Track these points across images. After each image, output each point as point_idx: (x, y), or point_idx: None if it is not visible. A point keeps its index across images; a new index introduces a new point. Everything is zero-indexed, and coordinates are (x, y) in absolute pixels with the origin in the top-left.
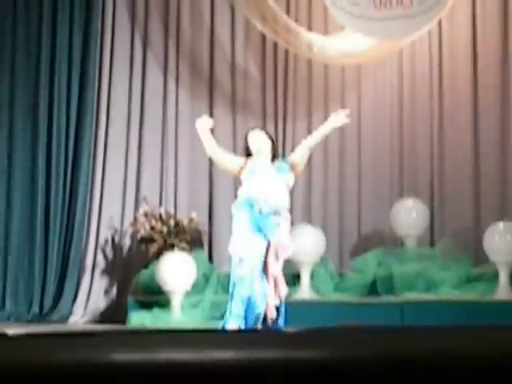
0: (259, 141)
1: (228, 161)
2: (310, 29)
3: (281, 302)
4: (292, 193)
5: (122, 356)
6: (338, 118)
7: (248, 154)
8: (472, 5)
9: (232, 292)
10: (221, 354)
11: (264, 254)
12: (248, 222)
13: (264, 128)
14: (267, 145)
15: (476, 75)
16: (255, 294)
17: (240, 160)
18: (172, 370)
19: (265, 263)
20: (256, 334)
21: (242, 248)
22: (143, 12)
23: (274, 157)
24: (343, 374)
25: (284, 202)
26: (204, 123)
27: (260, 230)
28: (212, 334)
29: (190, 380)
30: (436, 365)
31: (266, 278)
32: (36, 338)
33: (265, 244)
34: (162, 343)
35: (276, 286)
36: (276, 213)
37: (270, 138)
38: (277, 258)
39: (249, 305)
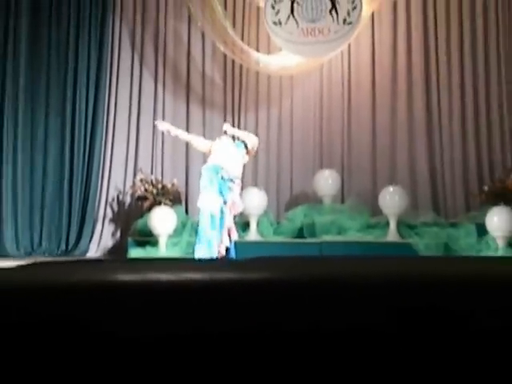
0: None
1: (199, 143)
2: (257, 49)
3: (231, 242)
4: (245, 165)
5: (124, 276)
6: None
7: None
8: (371, 32)
9: (200, 233)
10: (193, 275)
11: (222, 208)
12: (212, 184)
13: (225, 119)
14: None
15: (374, 83)
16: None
17: (209, 142)
18: (158, 287)
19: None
20: (218, 262)
21: (208, 203)
22: (140, 38)
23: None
24: (280, 291)
25: (238, 171)
26: (164, 125)
27: (220, 191)
28: (187, 261)
29: (172, 295)
30: (345, 281)
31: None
32: (62, 264)
33: (222, 201)
34: (152, 267)
35: (229, 232)
36: (232, 179)
37: (233, 138)
38: (230, 212)
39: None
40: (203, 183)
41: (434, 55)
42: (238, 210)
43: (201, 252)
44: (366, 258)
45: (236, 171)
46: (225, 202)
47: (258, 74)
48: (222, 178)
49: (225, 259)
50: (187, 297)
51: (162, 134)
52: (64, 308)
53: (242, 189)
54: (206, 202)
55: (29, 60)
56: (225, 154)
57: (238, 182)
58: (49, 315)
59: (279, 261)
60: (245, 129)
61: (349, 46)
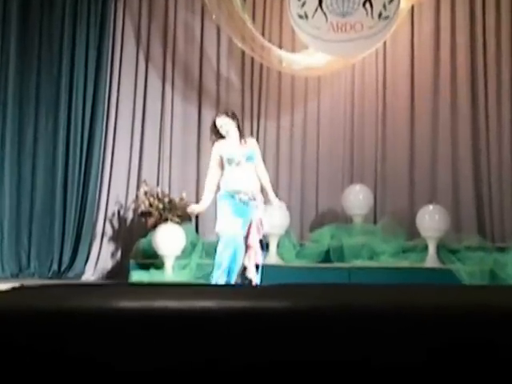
0: (225, 125)
1: (217, 175)
2: (280, 47)
3: (258, 266)
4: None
5: (124, 304)
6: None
7: (217, 134)
8: (411, 28)
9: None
10: (204, 304)
11: (245, 231)
12: (230, 209)
13: (242, 125)
14: (233, 126)
15: (413, 85)
16: (236, 263)
17: (216, 164)
18: (165, 316)
19: (246, 238)
20: (232, 288)
21: (227, 229)
22: (146, 30)
23: (241, 135)
24: (302, 321)
25: (256, 187)
26: (194, 209)
27: (241, 215)
28: (197, 287)
29: (180, 323)
30: (378, 312)
31: (247, 249)
32: (53, 287)
33: (245, 224)
34: (157, 294)
35: (255, 254)
36: (252, 198)
37: (234, 116)
38: (258, 232)
39: (230, 269)
40: (220, 212)
41: (482, 54)
42: (265, 228)
43: (219, 279)
44: (402, 287)
45: (254, 187)
46: (250, 224)
47: (280, 74)
48: (241, 200)
49: (242, 284)
50: (197, 328)
51: (170, 140)
52: (54, 339)
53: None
54: (225, 224)
55: (18, 53)
56: (237, 171)
57: (261, 197)
58: (36, 347)
59: (302, 288)
60: (265, 137)
61: (384, 43)
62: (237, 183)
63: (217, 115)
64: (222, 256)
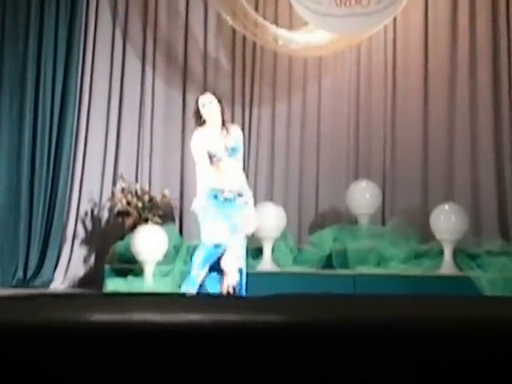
0: (210, 103)
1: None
2: (276, 24)
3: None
4: (256, 174)
5: (100, 317)
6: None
7: (199, 117)
8: (424, 4)
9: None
10: (189, 316)
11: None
12: (214, 211)
13: (233, 113)
14: (216, 107)
15: (426, 68)
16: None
17: (206, 157)
18: (145, 330)
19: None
20: (220, 299)
21: (212, 236)
22: (124, 5)
23: (223, 123)
24: (299, 336)
25: (243, 183)
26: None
27: (227, 217)
28: (181, 298)
29: (162, 340)
30: (385, 327)
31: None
32: (19, 299)
33: (233, 227)
34: (136, 306)
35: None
36: (239, 195)
37: (219, 100)
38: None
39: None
40: (201, 216)
41: (506, 32)
42: (252, 228)
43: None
44: (414, 297)
45: (240, 182)
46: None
47: (275, 54)
48: (226, 199)
49: (232, 295)
50: (181, 344)
51: (151, 129)
52: (20, 358)
53: (254, 203)
54: (210, 231)
55: None
56: (221, 167)
57: (249, 192)
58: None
59: (299, 300)
60: (258, 127)
61: (394, 20)
62: (220, 180)
63: (201, 93)
64: (199, 269)
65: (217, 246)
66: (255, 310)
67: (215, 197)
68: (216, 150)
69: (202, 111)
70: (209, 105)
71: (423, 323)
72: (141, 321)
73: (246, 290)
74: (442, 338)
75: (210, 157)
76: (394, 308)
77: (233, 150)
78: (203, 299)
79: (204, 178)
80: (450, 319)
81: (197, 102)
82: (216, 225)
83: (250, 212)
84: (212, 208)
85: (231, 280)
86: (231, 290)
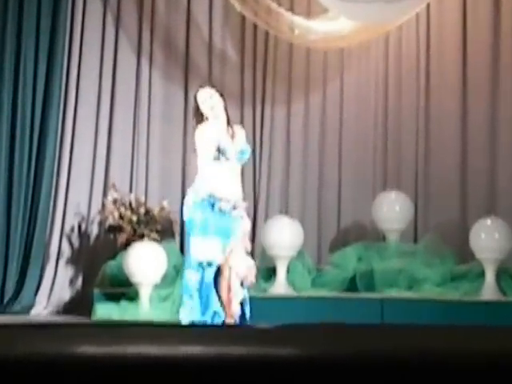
0: (211, 98)
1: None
2: (291, 10)
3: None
4: (269, 183)
5: (87, 349)
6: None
7: (200, 115)
8: None
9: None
10: (191, 349)
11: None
12: (206, 223)
13: (242, 112)
14: (219, 102)
15: (465, 61)
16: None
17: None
18: (140, 365)
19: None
20: (227, 330)
21: (207, 252)
22: None
23: (228, 121)
24: (318, 373)
25: (239, 192)
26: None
27: (219, 232)
28: (181, 327)
29: (159, 375)
30: (416, 365)
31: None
32: None
33: (225, 244)
34: (130, 337)
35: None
36: (234, 207)
37: (221, 94)
38: (242, 248)
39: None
40: (191, 227)
41: None
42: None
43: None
44: (451, 327)
45: (238, 192)
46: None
47: (291, 46)
48: (221, 210)
49: (240, 325)
50: (181, 380)
51: (147, 131)
52: None
53: (267, 217)
54: (200, 247)
55: None
56: (222, 172)
57: (243, 205)
58: None
59: (317, 330)
60: (271, 129)
61: (427, 6)
62: (221, 186)
63: (199, 87)
64: (193, 288)
65: (209, 264)
66: (265, 342)
67: (211, 206)
68: (227, 148)
69: (203, 108)
70: (210, 100)
71: (461, 357)
72: (135, 354)
73: (252, 317)
74: (483, 375)
75: (220, 154)
76: (426, 340)
77: (241, 154)
78: (205, 329)
79: (206, 179)
80: (491, 353)
81: (195, 98)
82: (208, 241)
83: (245, 228)
84: (205, 220)
85: (232, 312)
86: (235, 305)
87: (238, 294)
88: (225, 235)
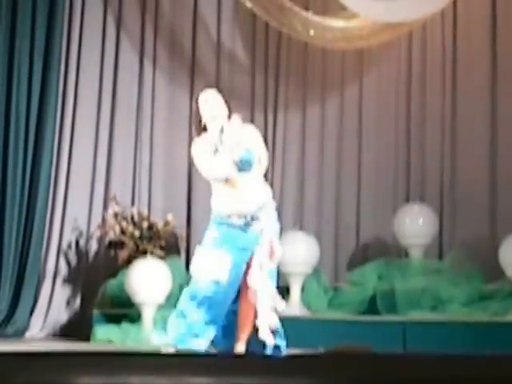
0: (213, 98)
1: None
2: (306, 8)
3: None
4: (282, 196)
5: (87, 380)
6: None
7: (199, 121)
8: None
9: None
10: (199, 380)
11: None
12: (213, 238)
13: (253, 117)
14: (223, 110)
15: (495, 62)
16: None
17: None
18: None
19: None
20: (238, 359)
21: (201, 269)
22: None
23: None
24: None
25: (260, 201)
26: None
27: (232, 246)
28: (191, 357)
29: None
30: None
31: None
32: None
33: (239, 263)
34: (134, 366)
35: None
36: (253, 218)
37: (226, 101)
38: (270, 263)
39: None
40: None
41: None
42: (277, 255)
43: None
44: (480, 353)
45: (255, 205)
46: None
47: (306, 46)
48: (233, 226)
49: (252, 354)
50: None
51: (151, 139)
52: None
53: (280, 232)
54: (204, 264)
55: None
56: (224, 189)
57: (269, 212)
58: None
59: (334, 358)
60: (284, 135)
61: (454, 2)
62: (225, 204)
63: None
64: (192, 315)
65: (216, 283)
66: (276, 373)
67: (220, 224)
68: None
69: (204, 109)
70: (212, 100)
71: None
72: None
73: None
74: None
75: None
76: (455, 369)
77: (243, 163)
78: (214, 359)
79: (214, 196)
80: None
81: (196, 101)
82: (216, 258)
83: (269, 239)
84: (214, 235)
85: (267, 323)
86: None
87: (267, 320)
88: (239, 252)
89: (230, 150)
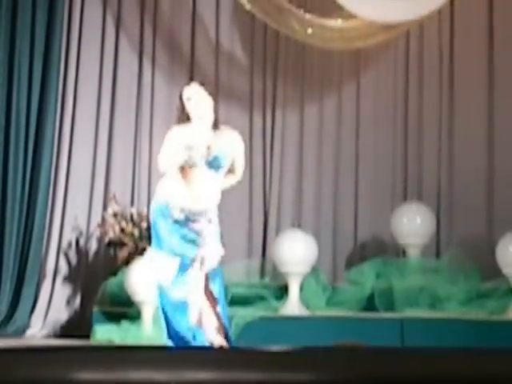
0: (197, 94)
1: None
2: (304, 8)
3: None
4: (281, 195)
5: (87, 375)
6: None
7: (184, 114)
8: None
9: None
10: (199, 375)
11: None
12: (161, 239)
13: (252, 116)
14: (206, 102)
15: (492, 61)
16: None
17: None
18: None
19: None
20: (238, 353)
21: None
22: None
23: (216, 122)
24: None
25: (213, 205)
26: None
27: (179, 246)
28: (189, 351)
29: None
30: None
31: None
32: None
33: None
34: (134, 361)
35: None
36: (195, 215)
37: (210, 93)
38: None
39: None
40: (158, 246)
41: None
42: (214, 259)
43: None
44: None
45: (204, 204)
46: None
47: (304, 46)
48: (176, 221)
49: (253, 348)
50: None
51: (150, 138)
52: None
53: (278, 231)
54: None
55: None
56: (191, 176)
57: (210, 213)
58: None
59: (332, 353)
60: (283, 135)
61: (451, 2)
62: (180, 193)
63: (185, 86)
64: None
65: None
66: (278, 367)
67: (183, 224)
68: (195, 149)
69: (188, 106)
70: (195, 96)
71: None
72: (139, 380)
73: (263, 338)
74: None
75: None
76: (451, 364)
77: (213, 160)
78: (214, 353)
79: (166, 184)
80: None
81: (180, 97)
82: (163, 260)
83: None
84: (173, 240)
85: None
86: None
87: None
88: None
89: (196, 150)
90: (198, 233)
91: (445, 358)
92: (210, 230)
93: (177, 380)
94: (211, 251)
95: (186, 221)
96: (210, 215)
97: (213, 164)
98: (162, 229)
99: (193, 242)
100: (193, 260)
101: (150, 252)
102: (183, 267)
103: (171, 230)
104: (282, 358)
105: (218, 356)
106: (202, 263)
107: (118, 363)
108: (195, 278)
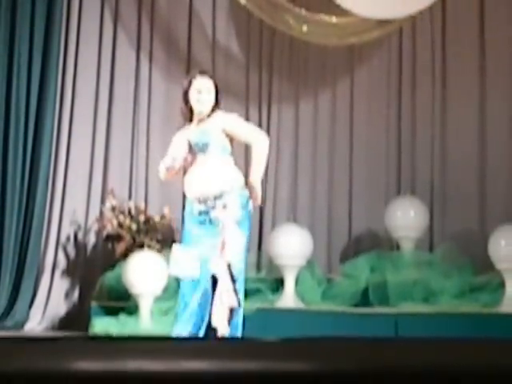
0: (208, 93)
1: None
2: (299, 5)
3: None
4: (276, 189)
5: (85, 365)
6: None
7: (189, 109)
8: None
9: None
10: (194, 365)
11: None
12: (185, 233)
13: (248, 111)
14: (212, 101)
15: (485, 59)
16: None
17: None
18: (141, 381)
19: None
20: (234, 344)
21: (183, 266)
22: None
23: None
24: None
25: (224, 185)
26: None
27: (198, 239)
28: (183, 341)
29: None
30: (433, 380)
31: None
32: None
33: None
34: (130, 352)
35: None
36: (214, 199)
37: (217, 86)
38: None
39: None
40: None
41: None
42: (234, 246)
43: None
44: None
45: (216, 188)
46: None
47: (299, 43)
48: (200, 213)
49: (248, 339)
50: None
51: (147, 133)
52: None
53: (274, 225)
54: (180, 264)
55: None
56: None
57: (223, 198)
58: None
59: (328, 344)
60: (278, 130)
61: None
62: (190, 183)
63: (197, 74)
64: (189, 302)
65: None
66: (274, 357)
67: (190, 211)
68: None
69: (196, 100)
70: (207, 95)
71: (481, 373)
72: (135, 370)
73: (258, 331)
74: None
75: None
76: (444, 354)
77: (202, 145)
78: (210, 344)
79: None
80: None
81: (186, 92)
82: (185, 254)
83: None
84: (188, 227)
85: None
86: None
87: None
88: (203, 243)
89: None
90: (212, 221)
91: (442, 349)
92: (225, 215)
93: (172, 369)
94: (230, 237)
95: (201, 211)
96: (224, 200)
97: (202, 148)
98: (185, 222)
99: (211, 230)
100: (213, 248)
101: (174, 248)
102: (204, 258)
103: (191, 221)
104: (273, 348)
105: (216, 346)
106: (221, 250)
107: (115, 353)
108: (217, 265)
